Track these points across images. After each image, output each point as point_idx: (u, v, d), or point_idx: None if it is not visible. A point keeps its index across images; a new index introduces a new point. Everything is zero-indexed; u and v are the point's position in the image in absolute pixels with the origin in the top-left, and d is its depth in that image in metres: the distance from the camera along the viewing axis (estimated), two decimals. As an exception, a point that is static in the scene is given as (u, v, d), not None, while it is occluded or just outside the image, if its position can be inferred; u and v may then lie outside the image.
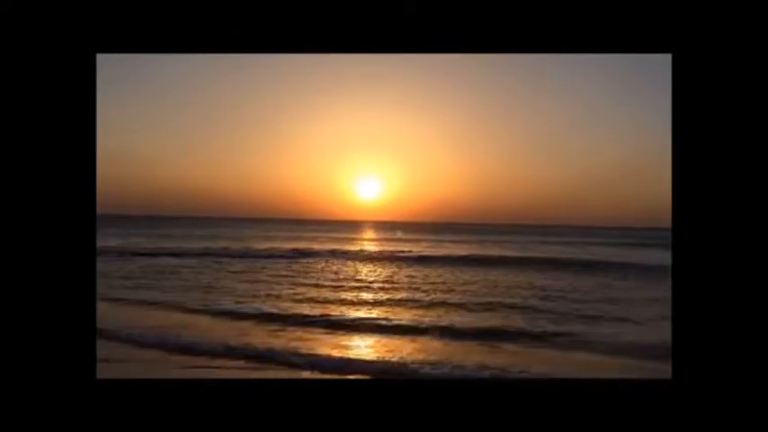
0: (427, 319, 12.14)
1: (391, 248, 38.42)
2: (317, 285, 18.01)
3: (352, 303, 14.83)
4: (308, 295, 15.82)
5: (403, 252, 36.44)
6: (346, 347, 9.91)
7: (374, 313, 13.28)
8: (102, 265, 20.89)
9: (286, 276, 20.79)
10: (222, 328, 11.08)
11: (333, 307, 13.98)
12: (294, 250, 34.10)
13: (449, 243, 49.71)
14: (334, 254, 33.01)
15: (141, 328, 10.61)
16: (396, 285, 18.42)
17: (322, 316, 12.57)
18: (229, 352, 9.04)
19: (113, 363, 7.91)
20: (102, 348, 7.05)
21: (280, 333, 10.65)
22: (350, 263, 26.62)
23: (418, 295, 15.90)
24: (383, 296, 15.99)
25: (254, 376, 7.82)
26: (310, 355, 8.96)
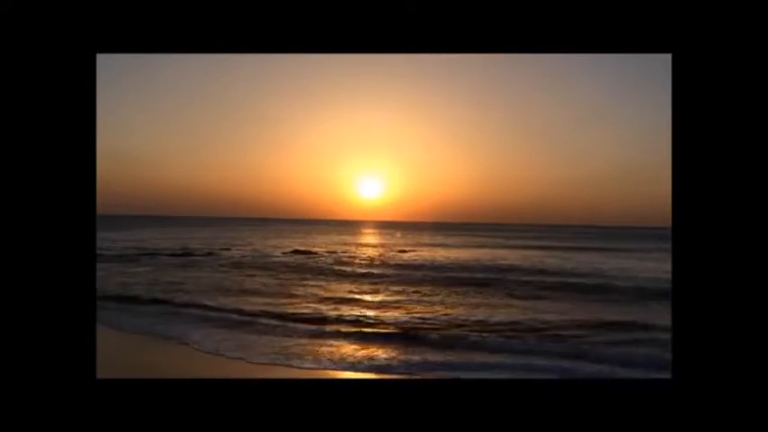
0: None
1: (389, 252, 38.41)
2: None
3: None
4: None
5: (405, 250, 36.63)
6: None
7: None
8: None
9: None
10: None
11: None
12: (295, 252, 34.20)
13: (446, 247, 49.57)
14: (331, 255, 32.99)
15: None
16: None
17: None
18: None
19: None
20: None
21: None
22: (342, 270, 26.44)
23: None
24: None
25: (254, 376, 7.82)
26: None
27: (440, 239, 59.38)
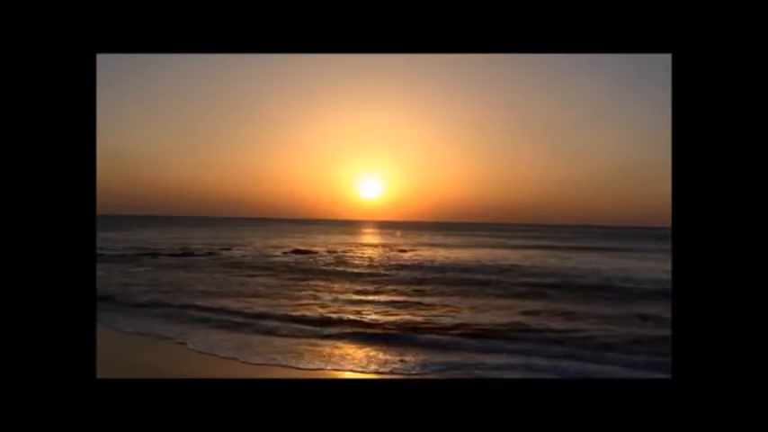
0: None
1: (389, 252, 38.45)
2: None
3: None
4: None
5: (405, 250, 36.67)
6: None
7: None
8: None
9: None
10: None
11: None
12: (295, 251, 34.25)
13: (444, 247, 49.51)
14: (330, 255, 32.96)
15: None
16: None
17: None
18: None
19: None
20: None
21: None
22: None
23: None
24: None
25: (254, 376, 7.82)
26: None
27: (440, 239, 59.39)
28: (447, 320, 12.21)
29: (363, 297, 16.00)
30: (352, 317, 12.63)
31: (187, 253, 30.78)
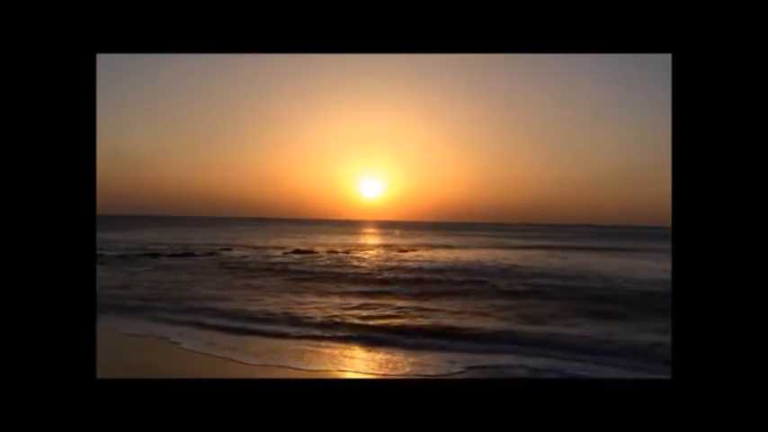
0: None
1: (390, 252, 38.46)
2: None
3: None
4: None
5: (405, 250, 36.72)
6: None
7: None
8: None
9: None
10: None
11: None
12: (296, 251, 34.29)
13: (444, 248, 49.45)
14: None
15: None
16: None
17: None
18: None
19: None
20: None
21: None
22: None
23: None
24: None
25: (254, 376, 7.82)
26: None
27: (440, 239, 59.38)
28: (447, 321, 12.21)
29: (363, 298, 15.98)
30: (351, 318, 12.63)
31: (187, 253, 30.77)
